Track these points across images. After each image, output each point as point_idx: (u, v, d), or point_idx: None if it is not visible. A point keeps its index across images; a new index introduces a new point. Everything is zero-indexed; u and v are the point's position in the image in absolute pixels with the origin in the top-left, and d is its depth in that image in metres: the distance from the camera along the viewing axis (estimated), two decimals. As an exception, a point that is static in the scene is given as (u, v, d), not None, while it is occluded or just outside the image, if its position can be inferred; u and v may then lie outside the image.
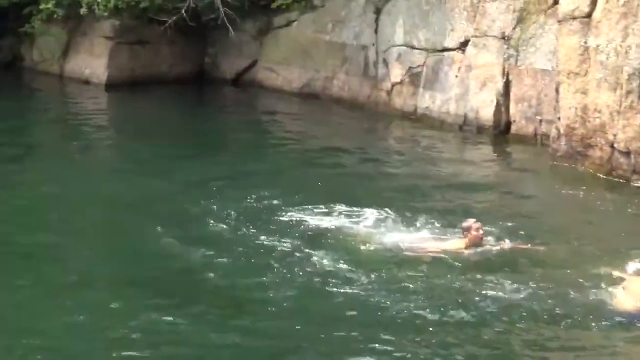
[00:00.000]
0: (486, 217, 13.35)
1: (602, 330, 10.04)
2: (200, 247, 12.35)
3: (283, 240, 12.57)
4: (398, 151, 19.43)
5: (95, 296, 10.96)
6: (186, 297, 10.90)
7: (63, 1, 25.59)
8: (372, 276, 11.33)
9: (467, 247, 12.30)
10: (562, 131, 17.06)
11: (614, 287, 10.85)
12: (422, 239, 12.69)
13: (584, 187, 15.65)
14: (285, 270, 11.53)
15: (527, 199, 15.54)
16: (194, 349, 9.56)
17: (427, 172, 17.09)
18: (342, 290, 10.94)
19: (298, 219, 13.50)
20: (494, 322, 10.22)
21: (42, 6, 25.98)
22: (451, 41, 21.09)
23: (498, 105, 19.84)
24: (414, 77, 21.89)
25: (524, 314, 10.34)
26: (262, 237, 12.69)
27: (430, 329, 10.03)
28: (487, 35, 20.17)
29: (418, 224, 13.26)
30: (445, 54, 21.18)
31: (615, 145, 16.16)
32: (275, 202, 14.36)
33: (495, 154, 19.19)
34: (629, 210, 14.64)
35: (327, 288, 11.01)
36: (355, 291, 10.94)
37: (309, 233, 12.95)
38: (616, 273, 11.27)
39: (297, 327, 10.05)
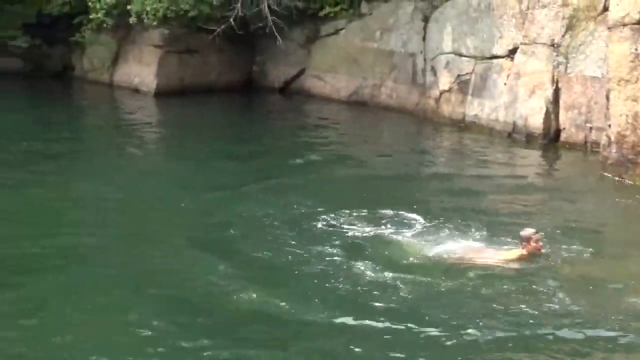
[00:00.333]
0: (537, 226, 12.83)
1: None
2: (236, 256, 12.15)
3: (326, 249, 12.28)
4: (446, 159, 19.36)
5: (117, 302, 10.72)
6: (220, 307, 10.55)
7: (113, 11, 25.84)
8: (420, 287, 10.96)
9: (525, 258, 11.86)
10: (612, 139, 16.85)
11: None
12: (475, 248, 12.26)
13: (637, 196, 15.39)
14: (326, 283, 11.14)
15: (578, 208, 15.21)
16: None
17: (475, 180, 16.94)
18: (386, 305, 10.47)
19: (344, 226, 13.29)
20: (550, 343, 9.59)
21: (92, 16, 26.26)
22: (500, 48, 20.98)
23: (547, 112, 19.69)
24: (462, 84, 21.81)
25: (581, 335, 9.71)
26: (305, 246, 12.40)
27: (483, 347, 9.50)
28: (536, 43, 20.02)
29: (467, 232, 12.99)
30: (494, 61, 21.07)
31: (667, 153, 15.99)
32: (319, 209, 14.13)
33: (545, 162, 18.98)
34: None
35: (370, 302, 10.54)
36: (399, 305, 10.50)
37: (355, 241, 12.70)
38: None
39: (336, 345, 9.59)
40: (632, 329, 9.87)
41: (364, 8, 24.98)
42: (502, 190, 16.30)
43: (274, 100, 26.12)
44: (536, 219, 14.02)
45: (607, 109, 17.20)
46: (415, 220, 13.57)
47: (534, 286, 11.05)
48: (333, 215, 13.80)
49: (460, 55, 21.93)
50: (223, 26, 24.26)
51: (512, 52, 20.67)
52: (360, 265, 11.63)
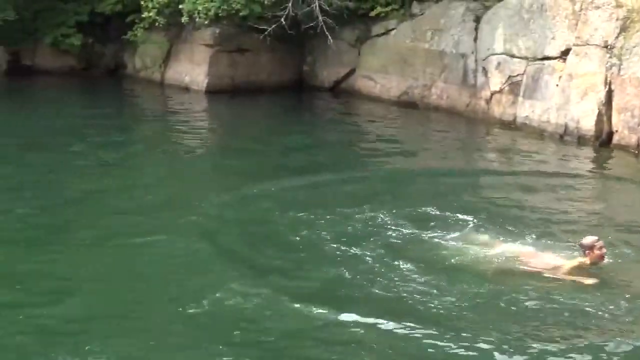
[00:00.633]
0: (591, 231, 12.29)
1: None
2: (286, 256, 12.08)
3: (375, 250, 12.07)
4: (497, 160, 19.23)
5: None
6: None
7: (165, 10, 26.02)
8: (471, 292, 10.69)
9: (587, 266, 11.36)
10: (666, 142, 16.70)
11: None
12: (529, 252, 11.87)
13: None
14: (368, 287, 10.87)
15: (632, 212, 14.77)
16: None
17: (526, 182, 16.74)
18: (436, 312, 10.21)
19: (389, 226, 13.12)
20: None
21: (144, 15, 26.46)
22: (552, 50, 20.81)
23: (600, 115, 19.50)
24: (513, 85, 21.67)
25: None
26: (349, 245, 12.26)
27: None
28: (589, 44, 19.83)
29: (521, 236, 12.63)
30: (546, 62, 20.90)
31: None
32: (366, 209, 13.94)
33: (597, 165, 18.77)
34: None
35: (415, 307, 10.29)
36: (448, 311, 10.21)
37: (399, 242, 12.51)
38: None
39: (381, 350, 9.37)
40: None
41: (415, 8, 24.94)
42: (553, 193, 16.06)
43: (325, 100, 26.07)
44: (588, 223, 13.79)
45: (661, 111, 17.04)
46: (465, 220, 13.39)
47: (600, 296, 10.50)
48: (380, 214, 13.63)
49: (512, 56, 21.79)
50: (274, 26, 24.31)
51: (564, 54, 20.50)
52: (404, 268, 11.39)
